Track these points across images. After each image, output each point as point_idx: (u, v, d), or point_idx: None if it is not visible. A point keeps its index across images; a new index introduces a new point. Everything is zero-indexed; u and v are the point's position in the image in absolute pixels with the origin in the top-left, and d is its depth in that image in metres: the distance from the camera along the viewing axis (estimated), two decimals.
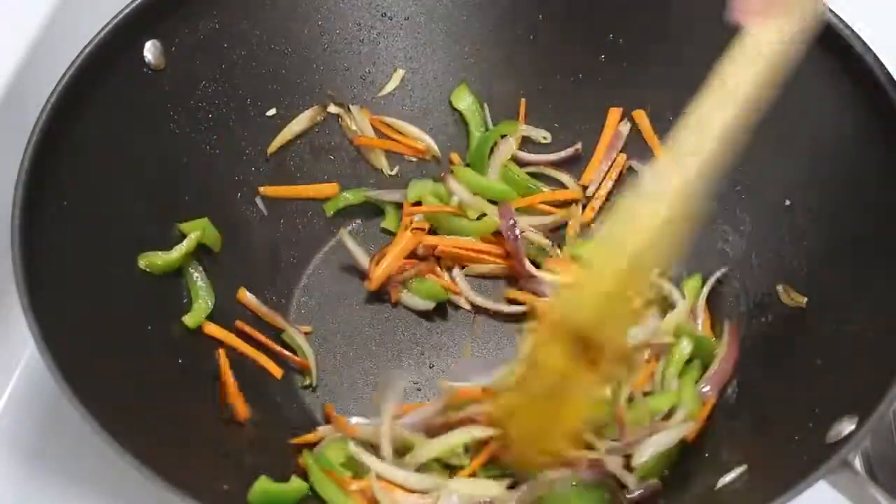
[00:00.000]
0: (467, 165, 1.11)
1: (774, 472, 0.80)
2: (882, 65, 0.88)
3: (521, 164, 1.11)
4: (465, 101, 1.10)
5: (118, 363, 0.84)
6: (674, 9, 1.02)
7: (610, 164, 1.09)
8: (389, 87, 1.10)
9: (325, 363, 1.02)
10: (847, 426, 0.77)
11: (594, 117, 1.09)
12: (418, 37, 1.10)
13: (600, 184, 1.10)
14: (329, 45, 1.08)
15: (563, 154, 1.11)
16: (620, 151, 1.09)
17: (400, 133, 1.11)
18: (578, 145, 1.10)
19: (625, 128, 1.08)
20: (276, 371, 0.99)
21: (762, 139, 0.95)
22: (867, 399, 0.76)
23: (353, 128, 1.10)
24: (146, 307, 0.92)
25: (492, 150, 1.10)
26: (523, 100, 1.11)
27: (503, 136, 1.10)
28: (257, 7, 1.03)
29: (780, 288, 0.95)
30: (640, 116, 1.07)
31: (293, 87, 1.07)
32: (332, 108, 1.09)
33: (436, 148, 1.11)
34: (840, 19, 0.90)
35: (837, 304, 0.89)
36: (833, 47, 0.90)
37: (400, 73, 1.10)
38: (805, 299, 0.93)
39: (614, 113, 1.08)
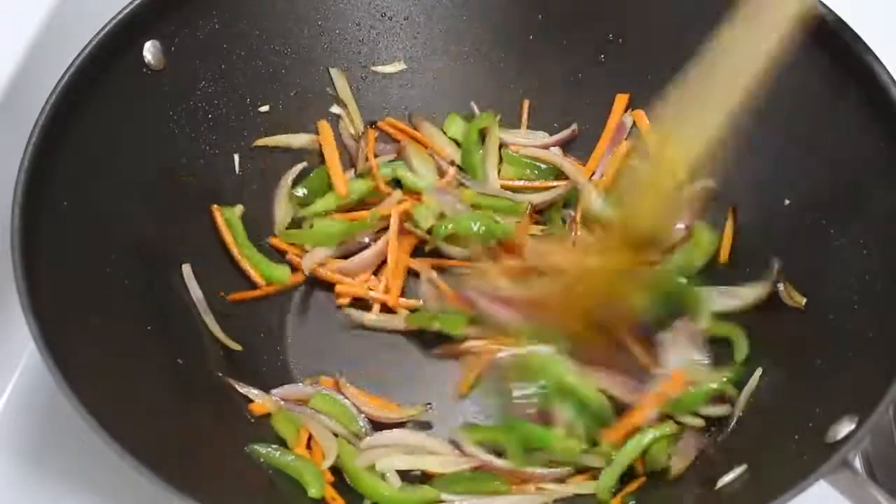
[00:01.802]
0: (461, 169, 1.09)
1: (774, 472, 0.80)
2: (882, 64, 0.88)
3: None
4: (457, 126, 1.10)
5: (118, 363, 0.84)
6: (674, 9, 1.02)
7: (613, 151, 1.08)
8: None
9: None
10: (847, 426, 0.77)
11: (594, 117, 1.09)
12: (418, 37, 1.10)
13: (605, 169, 1.08)
14: (329, 45, 1.08)
15: (560, 136, 1.10)
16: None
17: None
18: (574, 126, 1.09)
19: (629, 120, 1.08)
20: None
21: (762, 139, 0.96)
22: (867, 399, 0.76)
23: (352, 130, 1.10)
24: (146, 307, 0.92)
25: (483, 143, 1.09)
26: (526, 101, 1.11)
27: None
28: (257, 7, 1.03)
29: (780, 287, 0.95)
30: (640, 117, 1.07)
31: (293, 88, 1.07)
32: (335, 109, 1.09)
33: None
34: (839, 18, 0.90)
35: (837, 304, 0.89)
36: (833, 46, 0.90)
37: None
38: (805, 299, 0.93)
39: (621, 99, 1.08)
